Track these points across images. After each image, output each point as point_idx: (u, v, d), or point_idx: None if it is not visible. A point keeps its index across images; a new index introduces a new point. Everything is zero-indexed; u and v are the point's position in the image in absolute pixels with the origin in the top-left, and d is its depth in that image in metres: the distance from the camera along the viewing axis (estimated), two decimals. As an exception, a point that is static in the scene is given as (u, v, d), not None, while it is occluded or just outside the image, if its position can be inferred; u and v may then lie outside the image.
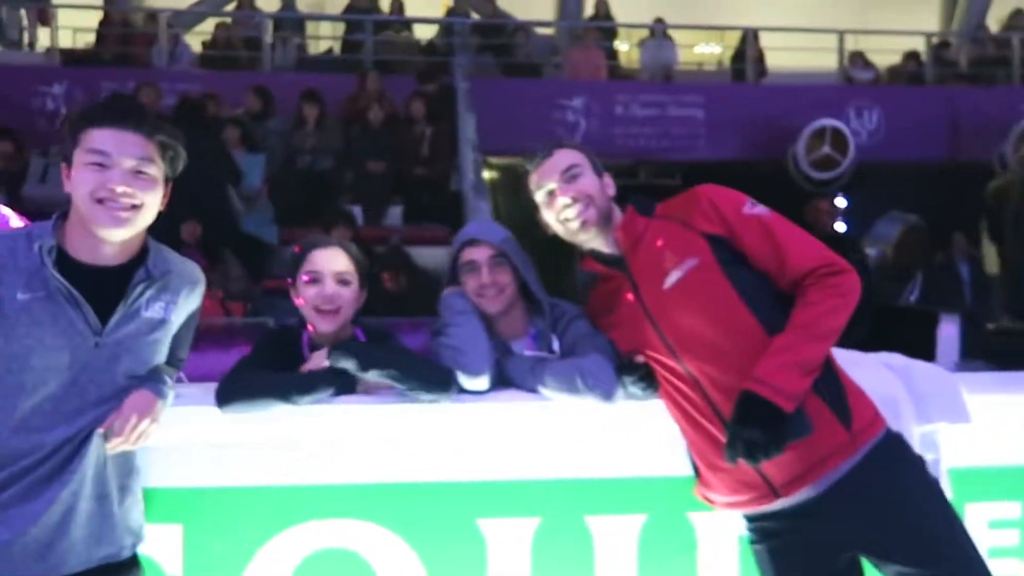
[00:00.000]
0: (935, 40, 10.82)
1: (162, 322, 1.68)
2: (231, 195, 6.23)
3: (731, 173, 8.43)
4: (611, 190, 1.89)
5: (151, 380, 1.68)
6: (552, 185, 1.85)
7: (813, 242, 1.72)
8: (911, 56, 10.57)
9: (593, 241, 1.86)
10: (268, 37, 9.23)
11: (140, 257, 1.66)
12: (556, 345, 1.97)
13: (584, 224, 1.83)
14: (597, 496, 1.93)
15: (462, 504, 1.90)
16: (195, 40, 9.76)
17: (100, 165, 1.56)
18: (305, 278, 1.97)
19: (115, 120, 1.57)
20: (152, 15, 9.58)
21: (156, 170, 1.61)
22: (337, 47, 10.13)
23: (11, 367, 1.55)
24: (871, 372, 1.90)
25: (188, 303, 1.75)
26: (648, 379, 1.82)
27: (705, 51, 13.52)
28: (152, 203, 1.61)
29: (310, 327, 1.99)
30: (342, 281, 1.96)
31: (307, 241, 2.07)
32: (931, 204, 8.24)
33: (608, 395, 1.82)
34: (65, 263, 1.59)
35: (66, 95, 8.28)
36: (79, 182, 1.57)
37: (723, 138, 9.13)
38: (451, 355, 1.88)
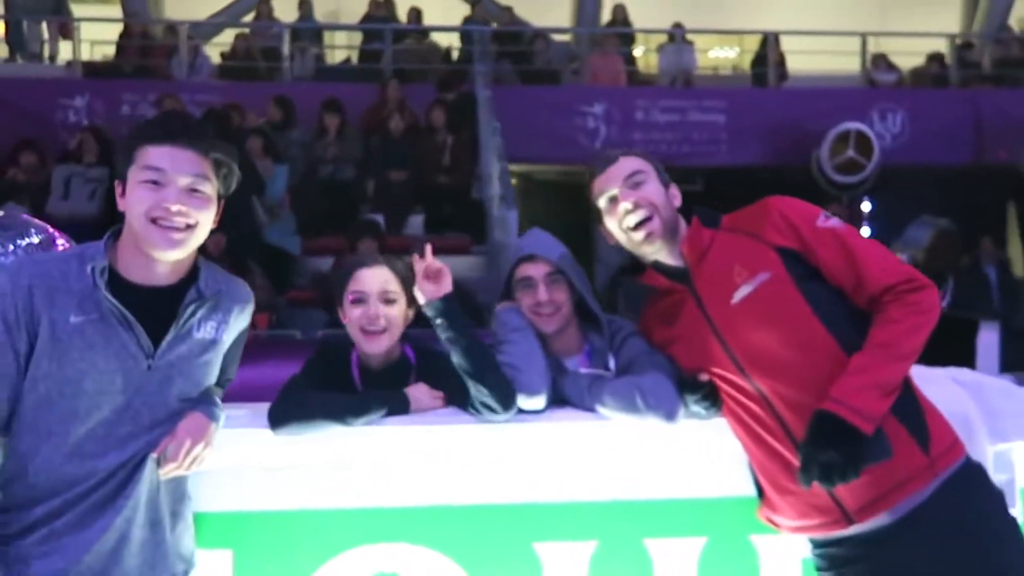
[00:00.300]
0: (958, 41, 10.70)
1: (213, 343, 1.65)
2: (255, 206, 6.21)
3: (754, 178, 8.40)
4: (677, 201, 1.82)
5: (203, 403, 1.65)
6: (614, 191, 1.79)
7: (891, 256, 1.66)
8: (934, 58, 10.46)
9: (658, 253, 1.80)
10: (286, 47, 9.24)
11: (191, 276, 1.63)
12: (612, 363, 1.91)
13: (649, 236, 1.76)
14: (656, 518, 1.87)
15: (517, 527, 1.85)
16: (214, 51, 9.79)
17: (155, 183, 1.53)
18: (350, 298, 1.93)
19: (171, 137, 1.54)
20: (172, 27, 9.62)
21: (211, 188, 1.58)
22: (354, 56, 10.13)
23: (64, 392, 1.51)
24: (940, 388, 1.83)
25: (238, 322, 1.72)
26: (711, 397, 1.76)
27: (720, 55, 13.45)
28: (206, 222, 1.58)
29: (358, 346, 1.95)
30: (388, 300, 1.92)
31: (352, 260, 2.04)
32: (956, 207, 8.14)
33: (671, 415, 1.76)
34: (117, 284, 1.56)
35: (88, 107, 8.33)
36: (134, 200, 1.54)
37: (745, 143, 9.03)
38: (507, 373, 1.82)
